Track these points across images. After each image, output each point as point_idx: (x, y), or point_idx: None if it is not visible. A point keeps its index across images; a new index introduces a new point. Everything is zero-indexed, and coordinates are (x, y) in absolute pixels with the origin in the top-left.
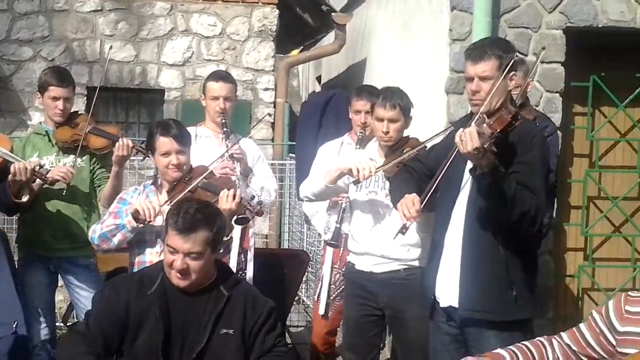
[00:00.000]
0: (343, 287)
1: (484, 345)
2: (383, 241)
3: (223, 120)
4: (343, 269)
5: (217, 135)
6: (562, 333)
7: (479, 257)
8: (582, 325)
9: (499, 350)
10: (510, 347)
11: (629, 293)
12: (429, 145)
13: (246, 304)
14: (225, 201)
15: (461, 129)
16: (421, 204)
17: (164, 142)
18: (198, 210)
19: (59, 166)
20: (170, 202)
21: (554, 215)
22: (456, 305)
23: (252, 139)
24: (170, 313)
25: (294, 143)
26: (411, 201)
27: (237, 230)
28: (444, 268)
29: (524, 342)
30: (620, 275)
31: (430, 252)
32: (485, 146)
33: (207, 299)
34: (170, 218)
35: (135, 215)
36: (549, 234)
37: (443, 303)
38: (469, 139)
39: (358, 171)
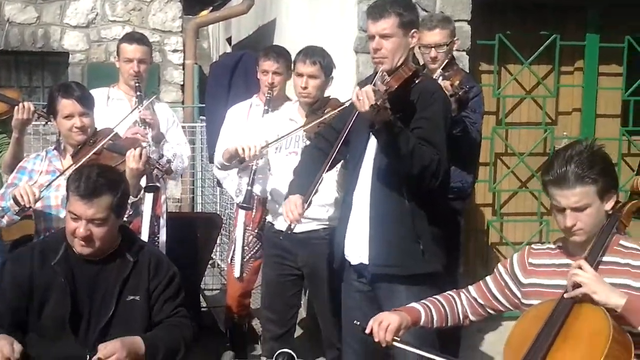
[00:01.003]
0: (257, 248)
1: (395, 300)
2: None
3: (137, 84)
4: (256, 231)
5: (130, 98)
6: (469, 287)
7: (386, 213)
8: (488, 279)
9: (413, 305)
10: (423, 300)
11: (532, 246)
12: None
13: (150, 268)
14: (132, 160)
15: (357, 88)
16: (307, 204)
17: (66, 104)
18: (100, 175)
19: None
20: (76, 166)
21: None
22: (366, 262)
23: (162, 101)
24: (76, 283)
25: (204, 105)
26: (294, 203)
27: (149, 196)
28: (353, 226)
29: (435, 296)
30: (527, 229)
31: (340, 212)
32: (378, 103)
33: (112, 267)
34: (71, 184)
35: (16, 200)
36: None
37: (354, 261)
38: (365, 97)
39: (243, 150)
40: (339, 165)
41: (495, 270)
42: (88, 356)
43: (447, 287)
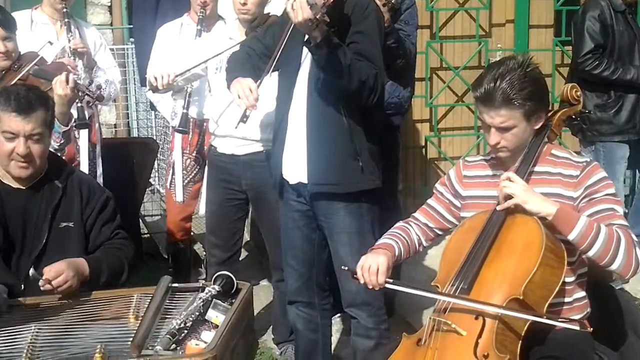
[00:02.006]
0: (195, 172)
1: (334, 217)
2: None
3: (64, 9)
4: (194, 154)
5: (55, 22)
6: (415, 214)
7: (324, 131)
8: (430, 202)
9: (385, 241)
10: (387, 235)
11: (466, 158)
12: None
13: (82, 194)
14: (59, 87)
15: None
16: (258, 87)
17: None
18: (29, 91)
19: None
20: None
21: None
22: (305, 181)
23: (90, 24)
24: (5, 212)
25: (133, 27)
26: (248, 87)
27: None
28: (290, 145)
29: (393, 229)
30: (465, 143)
31: (274, 132)
32: (317, 17)
33: (41, 194)
34: (1, 103)
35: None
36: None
37: (292, 180)
38: (299, 8)
39: (155, 79)
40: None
41: (434, 191)
42: (22, 285)
43: (386, 204)
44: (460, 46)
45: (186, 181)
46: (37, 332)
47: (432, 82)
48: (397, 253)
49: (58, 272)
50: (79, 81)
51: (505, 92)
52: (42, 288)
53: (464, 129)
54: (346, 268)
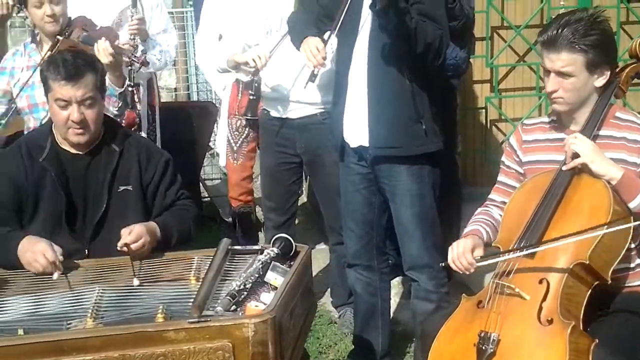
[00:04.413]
0: (246, 132)
1: (396, 179)
2: (297, 85)
3: None
4: (246, 115)
5: None
6: (490, 196)
7: (385, 94)
8: (500, 178)
9: (473, 227)
10: (473, 221)
11: (524, 122)
12: None
13: (140, 157)
14: (101, 54)
15: None
16: (325, 46)
17: None
18: (76, 57)
19: None
20: None
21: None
22: (366, 144)
23: None
24: (67, 178)
25: None
26: (315, 46)
27: (142, 87)
28: (350, 108)
29: (477, 215)
30: (526, 104)
31: (334, 94)
32: None
33: (99, 159)
34: (50, 72)
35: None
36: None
37: (353, 143)
38: None
39: (254, 61)
40: (334, 45)
41: (501, 165)
42: (87, 250)
43: (447, 167)
44: (522, 4)
45: (239, 142)
46: (101, 292)
47: (492, 41)
48: (484, 235)
49: (138, 235)
50: (123, 46)
51: (568, 36)
52: (119, 249)
53: (526, 90)
54: (442, 264)
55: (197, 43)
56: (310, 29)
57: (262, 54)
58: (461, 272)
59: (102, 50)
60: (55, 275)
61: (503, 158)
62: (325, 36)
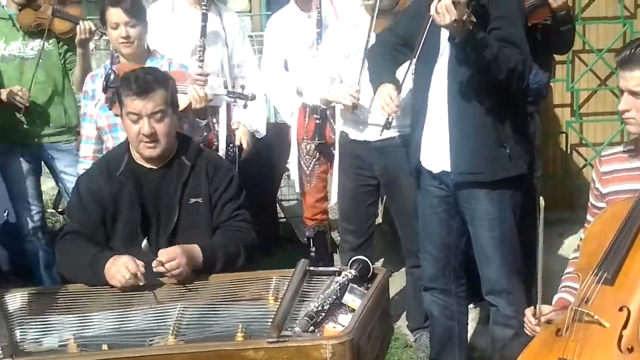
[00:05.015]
0: (317, 155)
1: (476, 202)
2: (375, 108)
3: None
4: (314, 140)
5: (196, 6)
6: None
7: (467, 120)
8: (588, 217)
9: (561, 295)
10: (562, 290)
11: (602, 154)
12: None
13: (208, 171)
14: (196, 103)
15: (436, 3)
16: (401, 88)
17: (113, 13)
18: (147, 73)
19: (16, 89)
20: None
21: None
22: (447, 169)
23: (231, 10)
24: (142, 191)
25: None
26: (388, 94)
27: (222, 110)
28: (429, 133)
29: (566, 282)
30: (607, 129)
31: (412, 118)
32: (464, 19)
33: (172, 172)
34: (123, 89)
35: None
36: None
37: (434, 169)
38: (445, 12)
39: (349, 99)
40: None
41: (588, 204)
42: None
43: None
44: (604, 28)
45: (311, 165)
46: (182, 310)
47: (573, 65)
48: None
49: (171, 256)
50: (228, 88)
51: None
52: (154, 269)
53: (607, 114)
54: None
55: (263, 69)
56: (386, 69)
57: (352, 91)
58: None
59: (196, 100)
60: (141, 281)
61: (590, 199)
62: (403, 67)
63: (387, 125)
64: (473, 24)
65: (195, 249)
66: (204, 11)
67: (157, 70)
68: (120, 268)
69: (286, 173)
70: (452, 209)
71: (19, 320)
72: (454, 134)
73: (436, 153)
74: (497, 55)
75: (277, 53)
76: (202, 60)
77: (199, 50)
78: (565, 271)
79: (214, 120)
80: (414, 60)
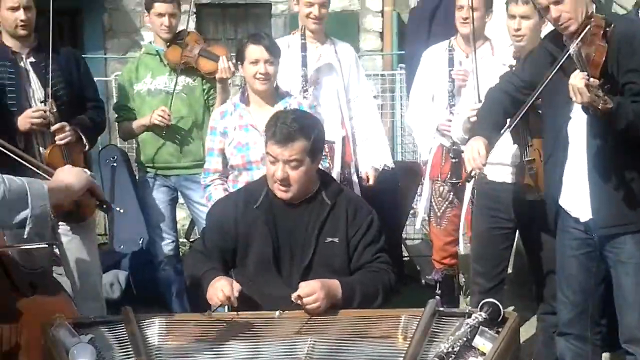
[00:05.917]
0: (450, 197)
1: (620, 247)
2: (513, 149)
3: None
4: (449, 181)
5: (312, 41)
6: None
7: (608, 172)
8: None
9: None
10: None
11: None
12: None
13: (348, 212)
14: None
15: (571, 81)
16: (491, 148)
17: (254, 50)
18: (295, 120)
19: (158, 110)
20: None
21: None
22: (590, 216)
23: (360, 50)
24: (277, 225)
25: (403, 52)
26: (477, 151)
27: (338, 145)
28: (570, 175)
29: None
30: None
31: (548, 144)
32: (599, 107)
33: (310, 209)
34: (268, 129)
35: None
36: None
37: (581, 216)
38: (577, 93)
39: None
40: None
41: None
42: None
43: None
44: None
45: (443, 208)
46: (313, 344)
47: None
48: None
49: (311, 290)
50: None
51: None
52: (293, 300)
53: None
54: None
55: (411, 102)
56: (492, 117)
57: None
58: None
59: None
60: (234, 304)
61: None
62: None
63: (468, 179)
64: (607, 99)
65: (335, 284)
66: (303, 41)
67: (307, 118)
68: (217, 291)
69: (411, 212)
70: (593, 252)
71: (157, 346)
72: (594, 186)
73: (578, 200)
74: (634, 118)
75: (426, 88)
76: (306, 90)
77: (302, 81)
78: None
79: (328, 155)
80: (510, 129)
